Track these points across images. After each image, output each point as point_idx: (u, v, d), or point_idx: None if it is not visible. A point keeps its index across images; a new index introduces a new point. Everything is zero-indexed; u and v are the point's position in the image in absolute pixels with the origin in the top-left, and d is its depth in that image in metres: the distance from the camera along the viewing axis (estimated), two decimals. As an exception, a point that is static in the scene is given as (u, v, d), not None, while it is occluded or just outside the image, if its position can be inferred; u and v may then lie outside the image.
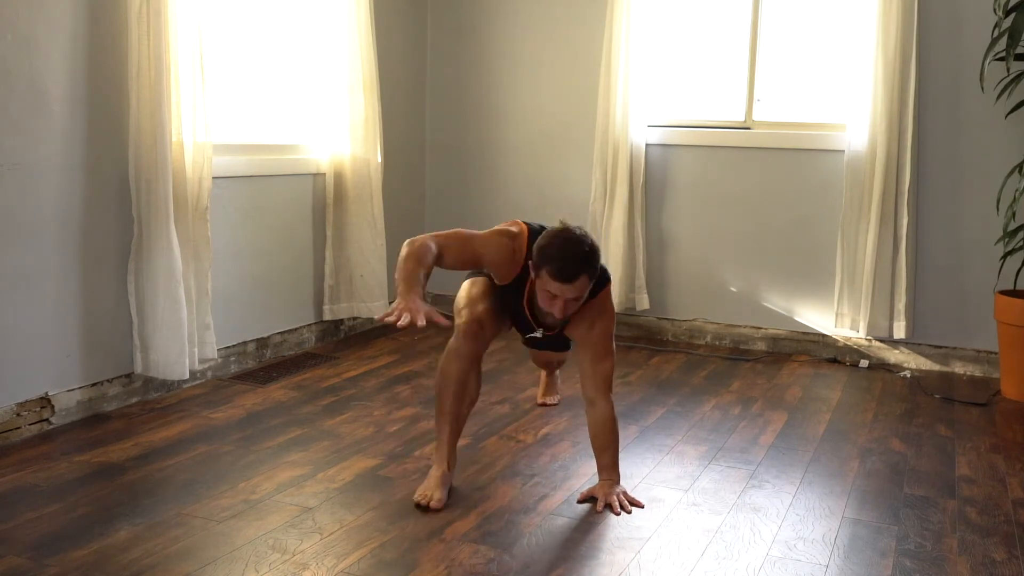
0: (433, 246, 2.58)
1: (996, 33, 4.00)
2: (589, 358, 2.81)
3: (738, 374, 4.35)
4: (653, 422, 3.58)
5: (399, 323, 2.34)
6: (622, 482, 2.86)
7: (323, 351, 4.50)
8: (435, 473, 2.81)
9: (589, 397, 2.83)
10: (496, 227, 2.81)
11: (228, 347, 4.04)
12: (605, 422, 2.81)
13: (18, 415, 3.16)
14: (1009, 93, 4.09)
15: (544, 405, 3.71)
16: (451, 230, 2.73)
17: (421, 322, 2.35)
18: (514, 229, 2.76)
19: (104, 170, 3.40)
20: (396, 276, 2.51)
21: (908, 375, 4.41)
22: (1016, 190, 3.97)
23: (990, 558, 2.50)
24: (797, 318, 4.74)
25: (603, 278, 2.80)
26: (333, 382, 3.99)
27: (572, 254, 2.54)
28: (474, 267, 2.79)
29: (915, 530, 2.66)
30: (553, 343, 3.08)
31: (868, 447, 3.36)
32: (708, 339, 4.92)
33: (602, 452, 2.83)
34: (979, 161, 4.34)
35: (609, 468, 2.82)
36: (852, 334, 4.60)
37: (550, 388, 3.74)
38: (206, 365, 3.87)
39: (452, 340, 2.79)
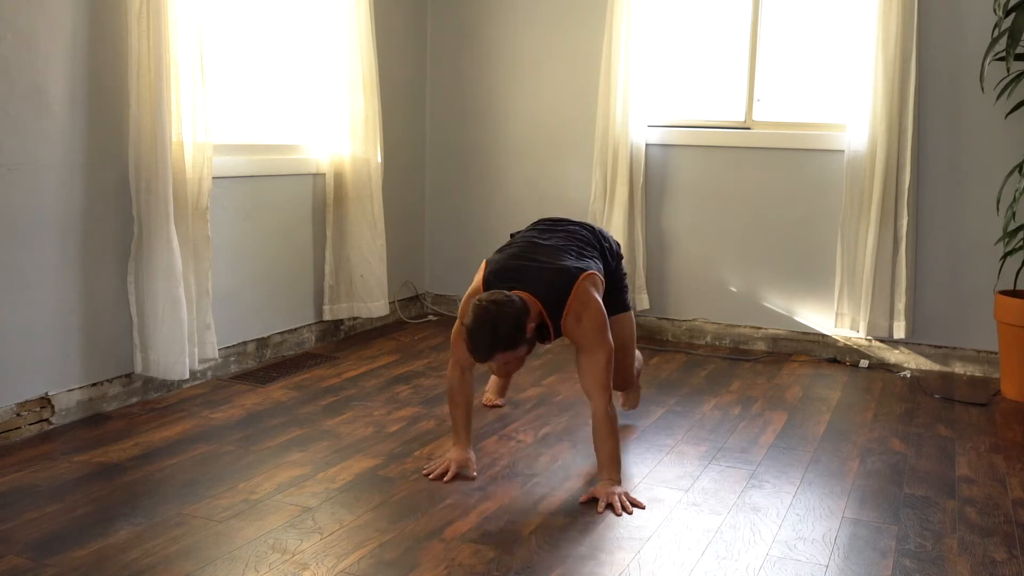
0: (455, 377, 2.97)
1: (996, 33, 4.00)
2: (582, 354, 2.83)
3: (738, 374, 4.34)
4: (653, 422, 3.58)
5: (445, 479, 2.89)
6: (623, 482, 2.86)
7: (323, 351, 4.50)
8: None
9: (587, 392, 2.86)
10: (469, 289, 2.98)
11: (228, 347, 4.04)
12: (601, 418, 2.81)
13: (18, 415, 3.16)
14: (1009, 93, 4.09)
15: (494, 406, 3.69)
16: (454, 334, 2.95)
17: (451, 474, 2.90)
18: (477, 278, 2.94)
19: (104, 170, 3.40)
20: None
21: (908, 375, 4.41)
22: (1016, 190, 3.96)
23: (990, 558, 2.50)
24: (797, 318, 4.74)
25: (572, 275, 2.84)
26: (333, 382, 3.99)
27: (481, 340, 2.66)
28: None
29: (915, 530, 2.66)
30: None
31: (868, 447, 3.36)
32: (708, 339, 4.92)
33: (600, 449, 2.84)
34: (979, 161, 4.34)
35: (608, 467, 2.82)
36: (852, 334, 4.60)
37: (503, 388, 3.73)
38: (206, 365, 3.87)
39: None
